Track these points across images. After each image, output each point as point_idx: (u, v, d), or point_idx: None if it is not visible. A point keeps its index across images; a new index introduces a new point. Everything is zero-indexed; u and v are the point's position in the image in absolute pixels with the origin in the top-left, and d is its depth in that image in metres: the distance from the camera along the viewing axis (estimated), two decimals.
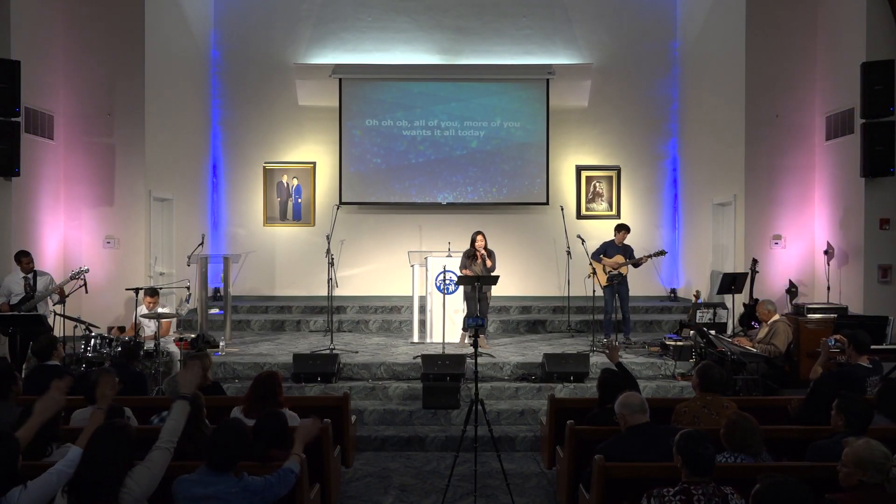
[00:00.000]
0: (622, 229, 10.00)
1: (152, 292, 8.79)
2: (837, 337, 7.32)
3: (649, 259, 9.90)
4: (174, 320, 9.14)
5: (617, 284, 9.76)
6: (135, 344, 7.46)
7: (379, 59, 12.95)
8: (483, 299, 9.40)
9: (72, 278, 8.47)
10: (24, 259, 8.43)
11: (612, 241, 9.99)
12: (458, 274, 9.60)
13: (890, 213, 9.13)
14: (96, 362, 7.62)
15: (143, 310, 8.59)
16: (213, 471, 3.60)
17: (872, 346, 7.27)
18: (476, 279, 9.05)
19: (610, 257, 9.87)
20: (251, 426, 4.35)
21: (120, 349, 7.56)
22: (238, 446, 3.64)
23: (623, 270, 9.76)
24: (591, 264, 9.89)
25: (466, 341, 9.41)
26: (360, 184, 12.83)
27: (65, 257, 10.15)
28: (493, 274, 9.35)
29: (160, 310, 8.60)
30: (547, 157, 12.83)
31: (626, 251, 9.90)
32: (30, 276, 8.46)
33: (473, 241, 9.58)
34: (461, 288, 9.72)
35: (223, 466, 3.60)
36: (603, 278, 9.81)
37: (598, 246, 10.12)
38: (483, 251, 9.48)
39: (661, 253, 9.94)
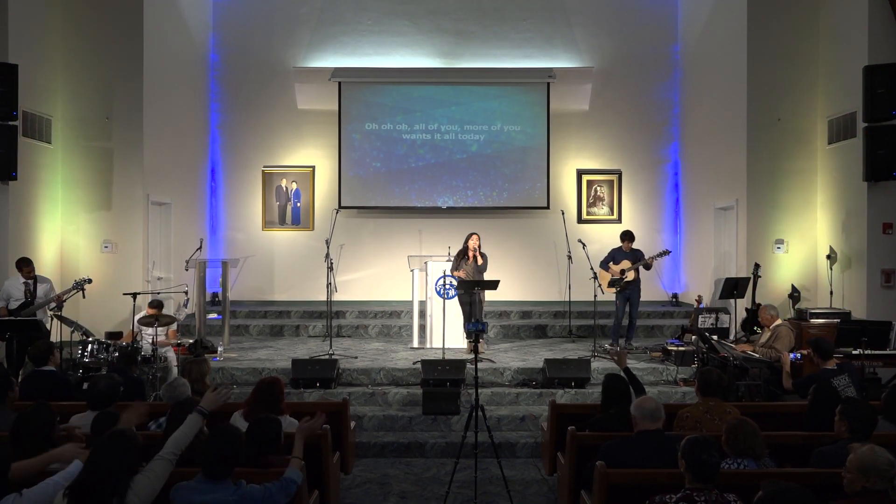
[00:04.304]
0: (626, 237, 9.89)
1: (157, 305, 8.62)
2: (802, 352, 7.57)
3: (655, 260, 9.81)
4: (175, 324, 9.03)
5: (628, 290, 9.69)
6: (132, 350, 7.39)
7: (379, 63, 12.92)
8: (479, 303, 9.32)
9: (73, 288, 8.35)
10: (26, 268, 8.32)
11: (620, 247, 9.90)
12: (450, 275, 9.52)
13: (892, 218, 9.09)
14: (94, 368, 7.54)
15: (141, 314, 8.50)
16: (209, 479, 3.55)
17: (877, 352, 7.68)
18: (476, 283, 8.97)
19: (618, 264, 9.79)
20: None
21: (117, 355, 7.47)
22: (233, 453, 3.60)
23: (630, 276, 9.68)
24: (592, 268, 9.78)
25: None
26: (360, 188, 12.79)
27: (62, 262, 10.09)
28: (489, 278, 9.23)
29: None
30: (548, 160, 12.78)
31: (635, 256, 9.81)
32: (30, 281, 8.37)
33: (467, 241, 9.50)
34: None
35: (219, 474, 3.55)
36: (605, 283, 9.73)
37: (604, 251, 10.09)
38: (476, 251, 9.40)
39: (665, 252, 9.84)
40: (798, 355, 7.53)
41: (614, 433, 4.70)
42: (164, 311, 8.72)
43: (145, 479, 3.33)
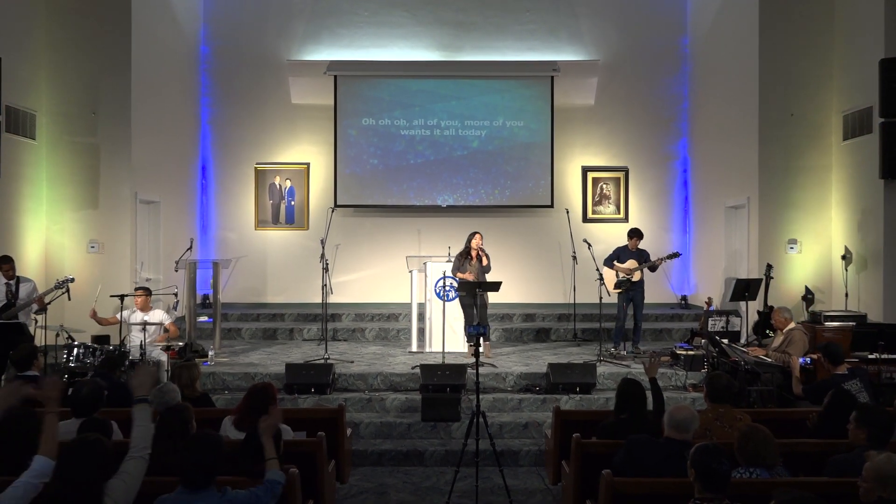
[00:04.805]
0: (634, 234, 9.73)
1: (145, 290, 8.59)
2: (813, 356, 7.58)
3: (663, 262, 9.66)
4: (171, 321, 8.85)
5: (631, 291, 9.52)
6: (119, 353, 7.31)
7: (376, 56, 12.82)
8: (483, 305, 9.11)
9: (56, 288, 8.15)
10: (5, 266, 8.18)
11: (626, 246, 9.73)
12: (451, 276, 9.38)
13: None
14: (80, 373, 7.41)
15: (132, 315, 8.37)
16: (190, 489, 3.46)
17: (894, 356, 7.69)
18: (478, 285, 8.77)
19: (623, 263, 9.56)
20: (240, 440, 4.27)
21: (102, 358, 7.26)
22: (213, 460, 3.51)
23: (636, 276, 9.47)
24: (597, 269, 9.59)
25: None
26: (356, 186, 12.66)
27: (46, 262, 9.93)
28: (492, 280, 9.11)
29: (146, 317, 8.32)
30: (551, 157, 12.64)
31: (641, 256, 9.64)
32: (12, 282, 8.22)
33: (469, 240, 9.31)
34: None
35: (200, 483, 3.47)
36: (611, 285, 9.52)
37: (610, 251, 9.92)
38: (479, 251, 9.24)
39: (675, 255, 9.76)
40: (809, 360, 7.45)
41: (623, 440, 4.59)
42: (158, 317, 8.57)
43: (120, 483, 3.30)
